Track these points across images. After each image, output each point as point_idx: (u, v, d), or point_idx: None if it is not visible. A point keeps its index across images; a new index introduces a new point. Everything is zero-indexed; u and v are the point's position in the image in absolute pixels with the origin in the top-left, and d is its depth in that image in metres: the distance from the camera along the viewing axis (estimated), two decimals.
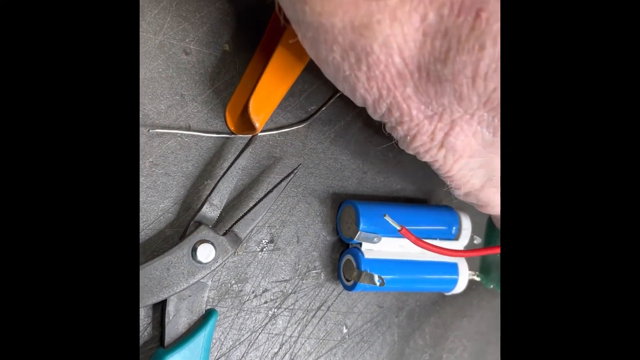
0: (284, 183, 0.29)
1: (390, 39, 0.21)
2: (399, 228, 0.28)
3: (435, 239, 0.34)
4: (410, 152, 0.26)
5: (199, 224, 0.28)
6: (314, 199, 0.33)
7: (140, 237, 0.28)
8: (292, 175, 0.30)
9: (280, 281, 0.31)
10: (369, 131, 0.34)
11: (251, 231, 0.29)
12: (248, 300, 0.30)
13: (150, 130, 0.28)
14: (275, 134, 0.31)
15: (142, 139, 0.28)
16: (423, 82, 0.22)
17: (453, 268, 0.35)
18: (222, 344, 0.30)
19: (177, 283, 0.26)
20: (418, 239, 0.29)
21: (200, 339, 0.27)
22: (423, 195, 0.37)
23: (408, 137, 0.25)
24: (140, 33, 0.27)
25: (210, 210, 0.28)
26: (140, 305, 0.26)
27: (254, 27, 0.30)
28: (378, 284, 0.30)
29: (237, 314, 0.30)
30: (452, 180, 0.27)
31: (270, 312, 0.31)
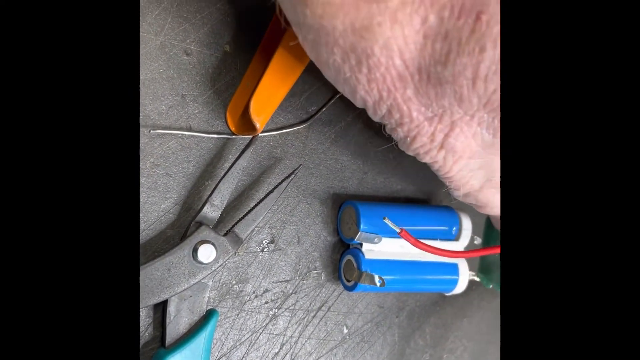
0: (284, 183, 0.29)
1: (391, 41, 0.21)
2: (398, 230, 0.28)
3: (436, 239, 0.34)
4: (410, 153, 0.26)
5: (200, 224, 0.28)
6: (314, 200, 0.33)
7: (141, 237, 0.28)
8: (293, 175, 0.30)
9: (280, 281, 0.32)
10: (370, 132, 0.34)
11: (252, 231, 0.29)
12: (249, 300, 0.31)
13: (151, 131, 0.28)
14: (276, 134, 0.31)
15: (143, 140, 0.28)
16: (423, 84, 0.22)
17: (453, 268, 0.35)
18: (222, 344, 0.30)
19: (178, 283, 0.26)
20: (418, 241, 0.29)
21: (201, 339, 0.27)
22: (423, 195, 0.37)
23: (408, 139, 0.25)
24: (141, 34, 0.27)
25: (211, 211, 0.28)
26: (141, 305, 0.26)
27: (255, 28, 0.30)
28: (378, 284, 0.30)
29: (237, 314, 0.30)
30: (452, 181, 0.27)
31: (270, 312, 0.31)
